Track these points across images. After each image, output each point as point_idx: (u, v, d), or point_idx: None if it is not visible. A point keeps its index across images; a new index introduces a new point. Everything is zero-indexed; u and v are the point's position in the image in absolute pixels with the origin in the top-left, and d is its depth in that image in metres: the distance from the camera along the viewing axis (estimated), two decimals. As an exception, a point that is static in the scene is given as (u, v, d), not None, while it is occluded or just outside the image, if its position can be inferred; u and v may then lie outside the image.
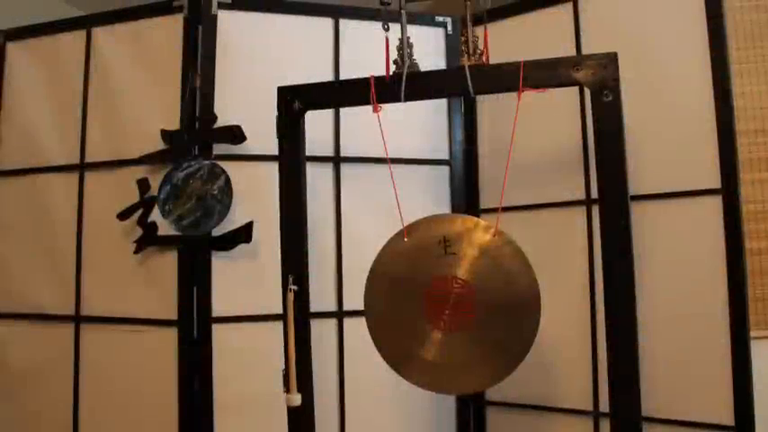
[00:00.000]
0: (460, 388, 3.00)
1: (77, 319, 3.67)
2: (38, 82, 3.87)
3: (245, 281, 3.50)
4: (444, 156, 3.88)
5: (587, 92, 2.56)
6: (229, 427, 3.46)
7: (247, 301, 3.50)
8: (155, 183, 3.51)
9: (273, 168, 2.92)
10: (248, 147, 3.49)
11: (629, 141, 2.59)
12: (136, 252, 3.52)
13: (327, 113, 3.65)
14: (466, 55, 2.67)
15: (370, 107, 2.72)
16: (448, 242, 2.70)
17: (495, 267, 2.66)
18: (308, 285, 2.84)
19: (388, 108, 2.73)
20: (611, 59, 2.51)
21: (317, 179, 3.55)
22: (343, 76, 3.70)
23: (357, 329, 3.25)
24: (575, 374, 3.46)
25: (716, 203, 3.13)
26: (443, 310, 2.69)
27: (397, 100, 2.69)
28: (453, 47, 3.87)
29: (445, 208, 3.83)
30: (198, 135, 3.50)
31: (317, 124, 3.23)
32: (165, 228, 3.48)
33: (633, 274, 2.52)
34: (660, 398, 3.17)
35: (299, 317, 2.76)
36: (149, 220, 3.52)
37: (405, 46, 2.71)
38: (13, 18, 4.05)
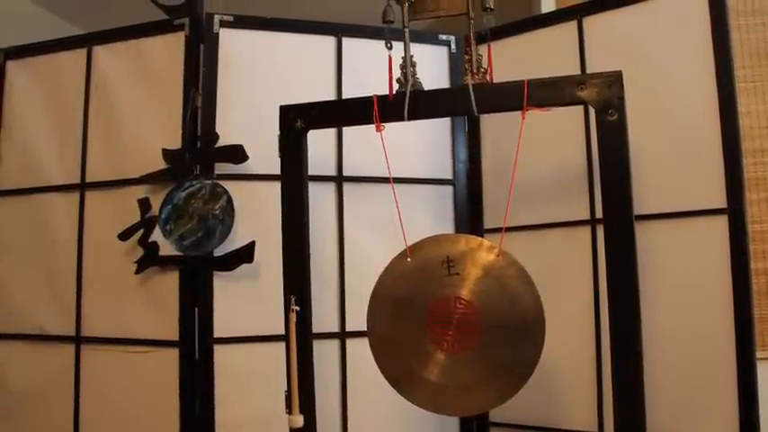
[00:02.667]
0: (464, 409, 2.97)
1: (78, 340, 3.65)
2: (38, 100, 3.86)
3: (247, 301, 3.48)
4: (448, 175, 3.87)
5: (592, 111, 2.55)
6: (231, 449, 3.44)
7: (249, 321, 3.47)
8: (156, 202, 3.49)
9: (275, 188, 2.90)
10: (250, 166, 3.47)
11: (634, 160, 2.57)
12: (137, 272, 3.50)
13: (330, 132, 3.64)
14: (469, 73, 2.66)
15: (372, 126, 2.70)
16: (451, 262, 2.68)
17: (498, 288, 2.64)
18: (311, 306, 2.83)
19: (392, 127, 2.72)
20: (616, 78, 2.50)
21: (320, 198, 3.53)
22: (345, 95, 3.69)
23: (360, 350, 3.23)
24: (579, 395, 3.43)
25: (721, 223, 3.11)
26: (446, 331, 2.67)
27: (401, 119, 2.67)
28: (457, 65, 3.87)
29: (448, 227, 3.81)
30: (199, 154, 3.49)
31: (319, 143, 3.21)
32: (167, 248, 3.46)
33: (638, 294, 2.50)
34: (665, 419, 3.13)
35: (301, 337, 2.74)
36: (150, 240, 3.50)
37: (408, 64, 2.70)
38: (12, 36, 4.04)
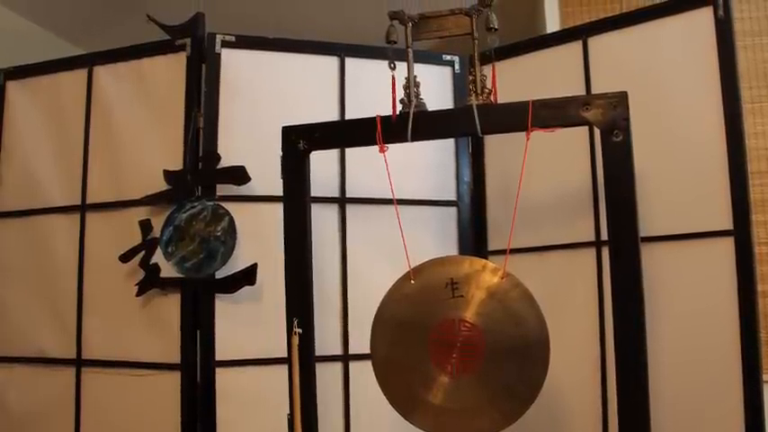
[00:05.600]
0: (468, 433, 2.95)
1: (78, 363, 3.63)
2: (38, 121, 3.86)
3: (249, 324, 3.45)
4: (452, 196, 3.85)
5: (597, 132, 2.53)
6: (233, 473, 3.41)
7: (251, 344, 3.45)
8: (157, 224, 3.48)
9: (278, 209, 2.89)
10: (252, 187, 3.46)
11: (640, 182, 2.55)
12: (138, 294, 3.49)
13: (333, 153, 3.62)
14: (474, 94, 2.64)
15: (376, 147, 2.69)
16: (455, 284, 2.66)
17: (503, 310, 2.62)
18: (313, 328, 2.80)
19: (395, 148, 2.71)
20: (621, 99, 2.48)
21: (323, 220, 3.51)
22: (348, 116, 3.68)
23: (363, 373, 3.21)
24: (584, 419, 3.41)
25: (728, 245, 3.08)
26: (450, 354, 2.65)
27: (404, 140, 2.67)
28: (461, 86, 3.85)
29: (453, 249, 3.79)
30: (201, 175, 3.48)
31: (322, 164, 3.19)
32: (168, 270, 3.44)
33: (644, 316, 2.48)
34: (671, 442, 3.12)
35: (303, 360, 2.72)
36: (152, 262, 3.48)
37: (412, 85, 2.70)
38: (13, 56, 4.04)
